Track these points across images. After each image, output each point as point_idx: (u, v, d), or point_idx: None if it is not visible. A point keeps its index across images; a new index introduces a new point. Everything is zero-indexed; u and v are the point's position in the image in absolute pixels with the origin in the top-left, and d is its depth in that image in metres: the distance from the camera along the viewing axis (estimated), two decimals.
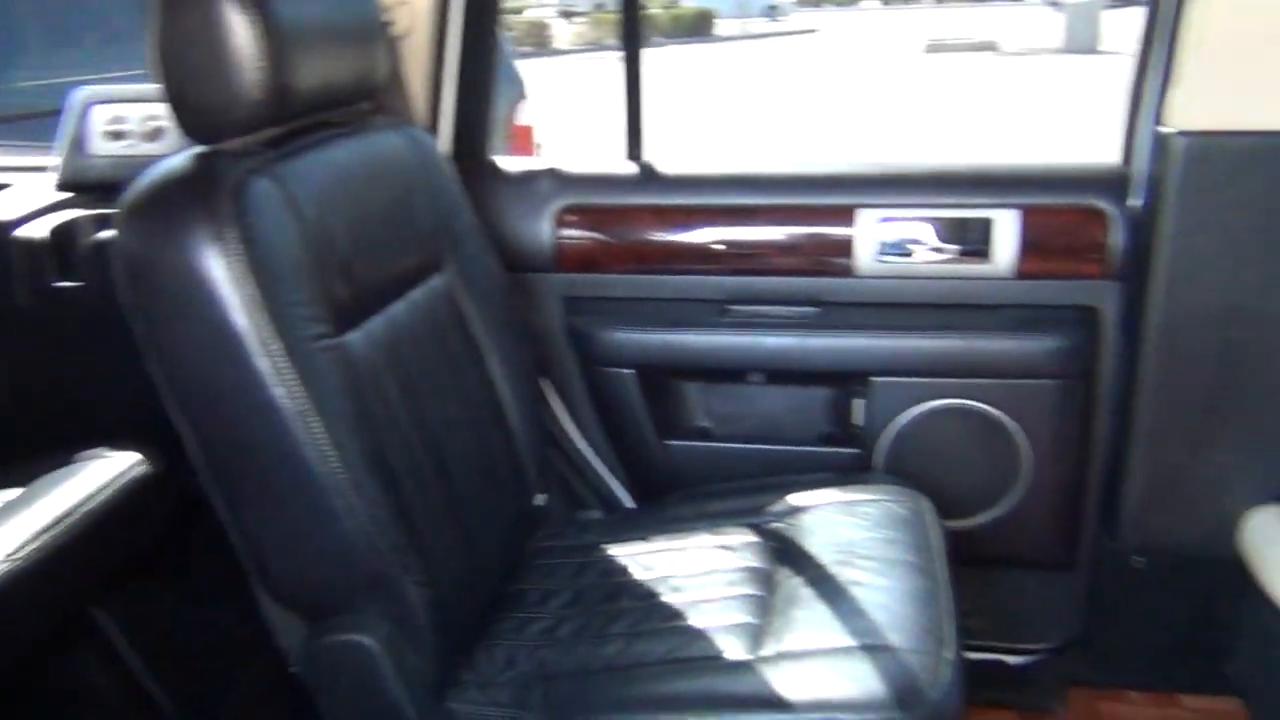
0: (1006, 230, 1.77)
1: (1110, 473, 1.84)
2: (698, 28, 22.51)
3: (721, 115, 11.71)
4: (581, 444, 2.00)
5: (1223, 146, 1.59)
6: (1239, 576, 1.70)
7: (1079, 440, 1.83)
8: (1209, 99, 1.57)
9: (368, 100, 1.53)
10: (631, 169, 1.95)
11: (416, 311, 1.49)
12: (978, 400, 1.80)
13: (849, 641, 1.30)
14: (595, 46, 19.57)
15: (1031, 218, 1.76)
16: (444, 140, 1.89)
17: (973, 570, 1.81)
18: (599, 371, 1.94)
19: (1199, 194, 1.61)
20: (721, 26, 23.34)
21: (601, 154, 2.02)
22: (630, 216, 1.90)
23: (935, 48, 17.43)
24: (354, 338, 1.32)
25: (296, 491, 1.22)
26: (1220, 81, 1.56)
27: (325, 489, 1.21)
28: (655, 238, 1.89)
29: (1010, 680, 1.96)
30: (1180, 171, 1.61)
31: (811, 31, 23.75)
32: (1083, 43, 16.07)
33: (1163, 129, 1.64)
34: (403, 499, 1.30)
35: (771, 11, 25.17)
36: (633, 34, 1.93)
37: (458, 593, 1.39)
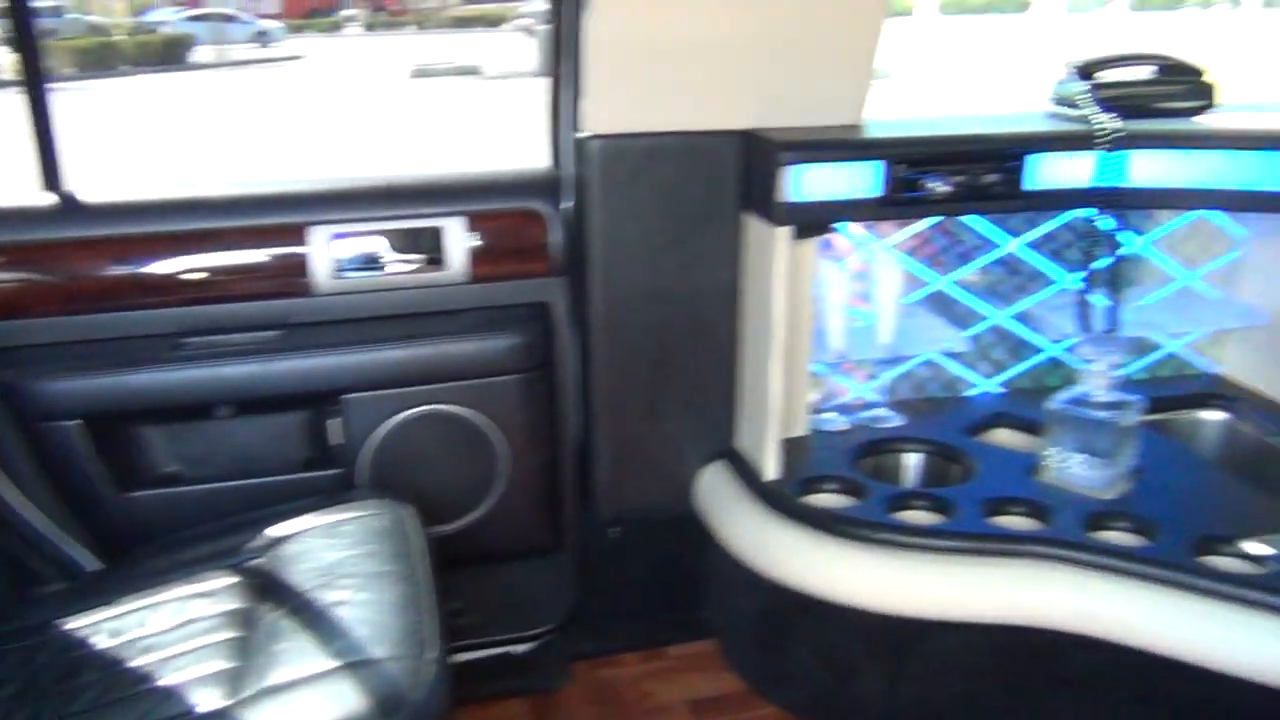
0: (456, 238, 1.83)
1: (581, 455, 1.98)
2: (169, 55, 20.98)
3: (187, 145, 11.01)
4: (27, 511, 1.77)
5: (629, 147, 1.77)
6: (699, 531, 1.91)
7: (549, 429, 1.95)
8: (612, 106, 1.75)
9: None
10: (50, 200, 1.76)
11: None
12: (450, 404, 1.86)
13: (331, 663, 1.28)
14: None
15: (478, 224, 1.84)
16: None
17: (468, 570, 1.87)
18: (39, 427, 1.73)
19: (616, 191, 1.79)
20: (201, 53, 21.97)
21: (8, 185, 1.80)
22: (55, 253, 1.71)
23: (421, 73, 17.74)
24: None
25: None
26: (618, 90, 1.74)
27: None
28: (90, 273, 1.73)
29: (519, 669, 2.04)
30: (599, 172, 1.77)
31: (297, 58, 23.13)
32: None
33: (580, 134, 1.79)
34: None
35: (261, 37, 24.19)
36: (33, 61, 1.74)
37: None
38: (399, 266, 1.83)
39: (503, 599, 2.01)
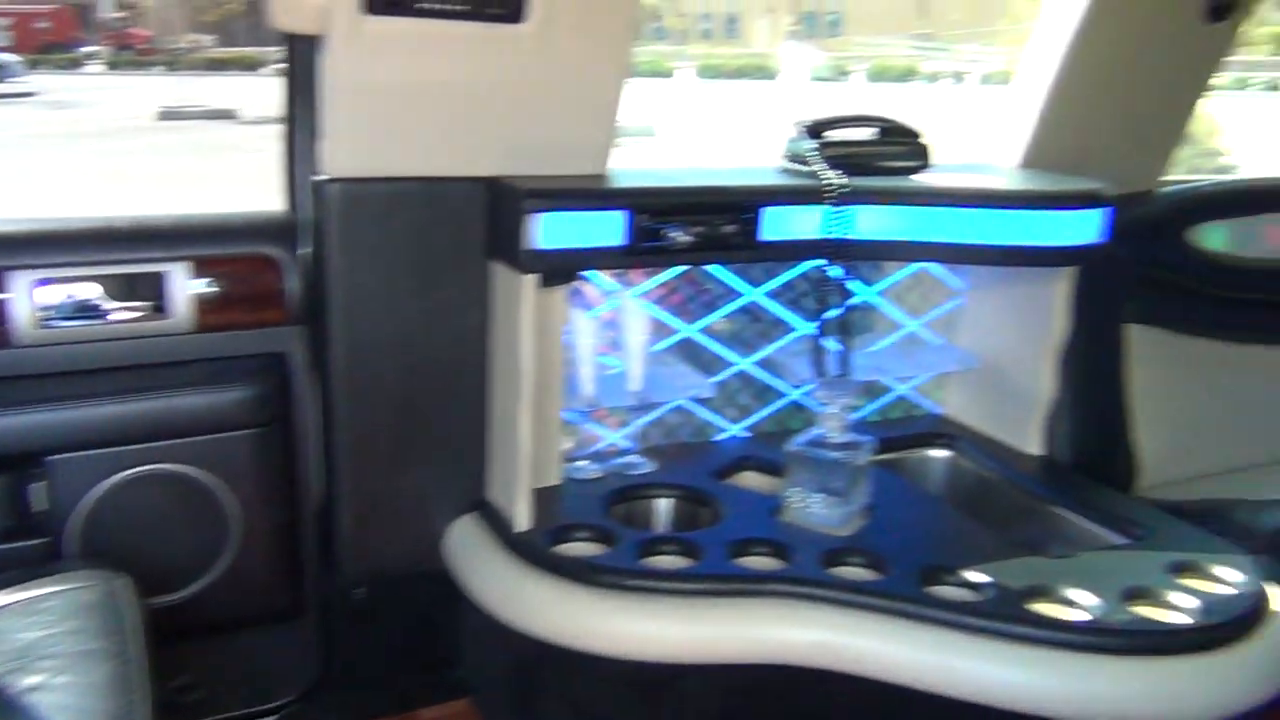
0: (180, 284, 1.72)
1: (324, 512, 1.89)
2: None
3: None
4: None
5: (370, 192, 1.72)
6: (450, 587, 1.85)
7: (286, 486, 1.85)
8: (352, 149, 1.69)
9: None
10: None
11: None
12: (175, 463, 1.72)
13: None
14: None
15: (205, 270, 1.74)
16: None
17: (198, 641, 1.73)
18: None
19: (358, 236, 1.73)
20: None
21: None
22: None
23: (169, 114, 16.83)
24: None
25: None
26: (358, 134, 1.68)
27: None
28: None
29: None
30: (338, 216, 1.71)
31: (30, 95, 21.47)
32: None
33: (318, 177, 1.73)
34: None
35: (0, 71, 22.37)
36: None
37: None
38: (110, 316, 1.69)
39: (238, 670, 1.88)
